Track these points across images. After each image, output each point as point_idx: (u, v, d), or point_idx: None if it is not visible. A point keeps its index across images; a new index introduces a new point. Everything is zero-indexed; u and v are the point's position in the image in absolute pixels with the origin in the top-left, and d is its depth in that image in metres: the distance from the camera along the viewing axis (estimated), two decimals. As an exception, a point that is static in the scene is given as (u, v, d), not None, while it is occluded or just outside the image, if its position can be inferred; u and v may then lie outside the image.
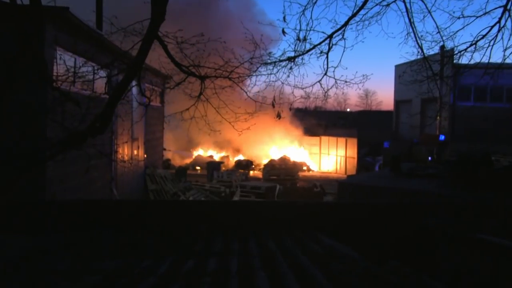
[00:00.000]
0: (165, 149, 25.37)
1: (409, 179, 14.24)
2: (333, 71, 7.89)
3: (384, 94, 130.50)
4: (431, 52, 8.44)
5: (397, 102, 34.60)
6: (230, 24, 25.75)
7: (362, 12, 7.58)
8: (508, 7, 7.59)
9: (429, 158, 21.55)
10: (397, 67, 31.94)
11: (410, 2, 7.57)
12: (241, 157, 32.53)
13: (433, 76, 8.65)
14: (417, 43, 7.94)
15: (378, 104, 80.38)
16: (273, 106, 7.81)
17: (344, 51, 7.82)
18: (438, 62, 9.09)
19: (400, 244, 5.31)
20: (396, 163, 16.05)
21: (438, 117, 20.18)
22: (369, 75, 7.95)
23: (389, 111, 44.50)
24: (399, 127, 33.71)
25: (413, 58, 8.52)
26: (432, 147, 22.32)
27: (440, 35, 7.96)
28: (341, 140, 31.63)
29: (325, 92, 8.24)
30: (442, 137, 23.84)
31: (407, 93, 26.93)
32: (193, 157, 32.87)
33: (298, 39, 7.60)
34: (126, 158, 14.92)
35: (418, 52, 8.11)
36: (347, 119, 41.27)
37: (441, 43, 8.26)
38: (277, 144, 33.69)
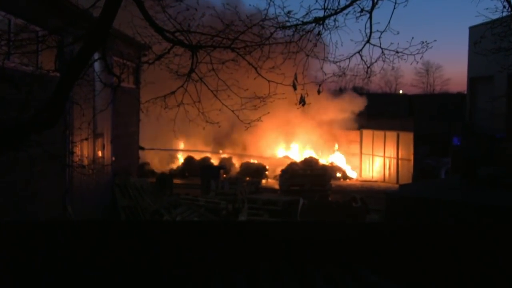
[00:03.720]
0: (142, 149, 25.45)
1: (490, 190, 14.12)
2: (379, 38, 7.75)
3: (452, 70, 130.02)
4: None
5: (472, 80, 34.32)
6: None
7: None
8: None
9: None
10: (472, 30, 31.65)
11: None
12: (249, 159, 32.57)
13: (526, 42, 8.53)
14: (503, -6, 7.83)
15: (444, 83, 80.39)
16: (294, 87, 7.76)
17: (394, 7, 7.65)
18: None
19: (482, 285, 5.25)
20: (471, 167, 15.94)
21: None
22: (430, 43, 7.83)
23: (460, 94, 44.21)
24: (475, 115, 33.43)
25: (496, 16, 8.39)
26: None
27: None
28: (391, 135, 31.52)
29: (368, 67, 8.13)
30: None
31: (486, 67, 26.61)
32: (182, 159, 33.00)
33: (330, -9, 7.53)
34: (86, 162, 14.98)
35: (504, 7, 7.99)
36: (400, 105, 41.09)
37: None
38: (299, 142, 33.63)
